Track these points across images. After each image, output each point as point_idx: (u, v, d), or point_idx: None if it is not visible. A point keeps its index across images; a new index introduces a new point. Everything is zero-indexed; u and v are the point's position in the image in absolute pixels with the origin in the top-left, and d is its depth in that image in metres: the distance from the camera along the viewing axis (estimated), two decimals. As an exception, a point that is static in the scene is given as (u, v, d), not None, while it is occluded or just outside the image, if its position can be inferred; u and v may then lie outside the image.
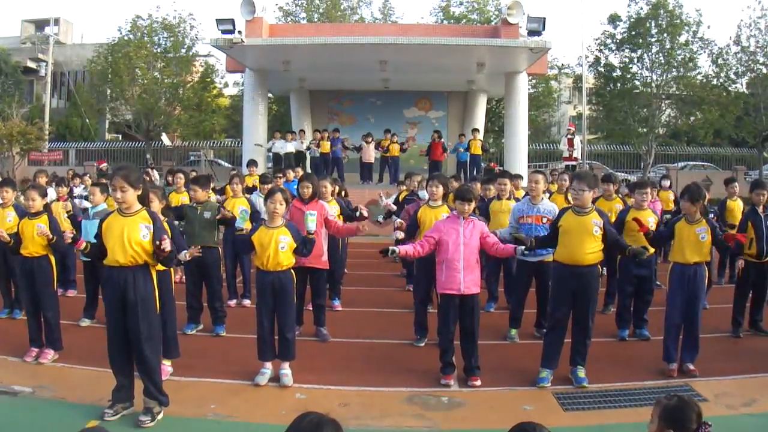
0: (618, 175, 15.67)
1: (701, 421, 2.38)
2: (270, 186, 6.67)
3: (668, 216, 7.40)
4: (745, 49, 20.85)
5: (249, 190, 8.88)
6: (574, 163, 16.57)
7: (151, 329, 3.93)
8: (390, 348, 5.64)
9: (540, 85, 27.05)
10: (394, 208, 8.04)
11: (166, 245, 3.82)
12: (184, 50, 23.12)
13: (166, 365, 4.64)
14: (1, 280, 6.28)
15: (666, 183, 10.62)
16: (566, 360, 4.77)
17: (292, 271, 4.75)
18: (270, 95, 22.46)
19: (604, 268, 6.83)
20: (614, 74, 21.83)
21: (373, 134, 16.61)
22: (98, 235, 4.02)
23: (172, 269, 4.84)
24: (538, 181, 5.89)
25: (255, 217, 6.88)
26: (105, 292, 4.12)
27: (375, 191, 14.65)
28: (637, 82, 21.32)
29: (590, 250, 4.60)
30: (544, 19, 14.43)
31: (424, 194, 6.57)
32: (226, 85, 27.00)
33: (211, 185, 7.24)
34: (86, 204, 6.79)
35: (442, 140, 16.15)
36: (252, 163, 11.65)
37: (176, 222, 5.42)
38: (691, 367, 4.89)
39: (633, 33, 20.71)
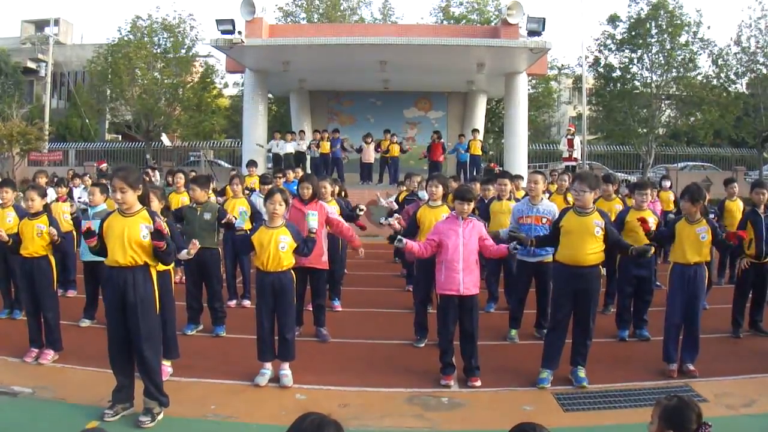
0: (618, 175, 15.69)
1: (701, 421, 2.38)
2: (270, 186, 6.67)
3: (671, 216, 7.41)
4: (745, 49, 20.85)
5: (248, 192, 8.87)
6: (573, 163, 16.57)
7: (151, 330, 3.93)
8: (390, 348, 5.64)
9: (540, 86, 27.05)
10: (395, 206, 8.05)
11: (162, 227, 3.81)
12: (184, 51, 23.12)
13: (166, 366, 4.64)
14: (1, 280, 6.28)
15: (666, 183, 10.62)
16: (566, 360, 4.77)
17: (292, 271, 4.75)
18: (270, 96, 22.46)
19: (604, 269, 6.83)
20: (614, 75, 21.84)
21: (373, 134, 16.62)
22: (99, 235, 4.02)
23: (171, 270, 4.84)
24: (538, 181, 5.90)
25: (256, 217, 6.89)
26: (105, 293, 4.12)
27: (375, 191, 14.69)
28: (637, 83, 21.33)
29: (591, 250, 4.60)
30: (544, 19, 14.43)
31: (423, 194, 6.58)
32: (225, 85, 27.02)
33: (211, 186, 7.24)
34: (85, 199, 6.78)
35: (442, 141, 16.16)
36: (252, 163, 11.65)
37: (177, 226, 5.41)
38: (691, 367, 4.89)
39: (633, 33, 20.71)
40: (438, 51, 14.86)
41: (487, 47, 15.06)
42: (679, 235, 5.02)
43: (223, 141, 28.27)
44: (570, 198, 6.98)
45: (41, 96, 29.13)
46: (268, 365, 4.71)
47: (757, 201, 6.16)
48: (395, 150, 15.93)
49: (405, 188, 9.18)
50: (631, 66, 21.37)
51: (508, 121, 17.51)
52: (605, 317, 6.40)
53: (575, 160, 16.95)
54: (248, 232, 4.84)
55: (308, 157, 16.45)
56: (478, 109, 20.72)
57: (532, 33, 14.59)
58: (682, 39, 20.40)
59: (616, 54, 21.70)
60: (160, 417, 3.92)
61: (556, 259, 4.86)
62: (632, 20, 20.79)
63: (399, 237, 4.81)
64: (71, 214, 7.39)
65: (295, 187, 6.57)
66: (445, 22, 27.77)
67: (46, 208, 5.39)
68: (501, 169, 15.16)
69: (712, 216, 6.58)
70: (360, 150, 16.16)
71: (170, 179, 9.77)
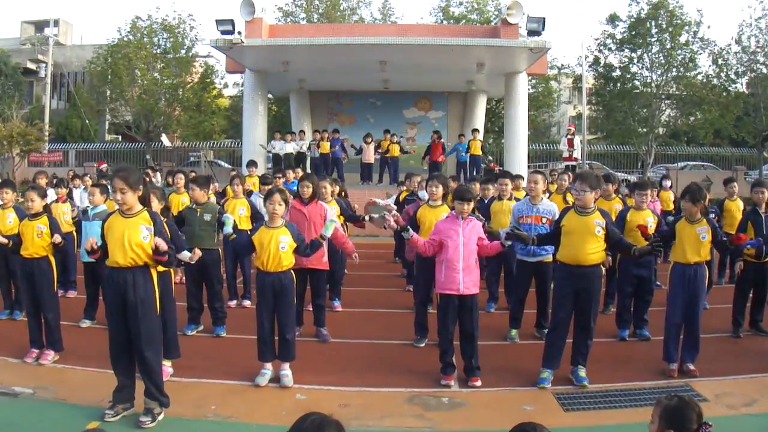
0: (618, 175, 15.68)
1: (702, 421, 2.38)
2: (269, 187, 6.67)
3: (671, 218, 7.42)
4: (745, 48, 20.84)
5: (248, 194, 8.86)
6: (573, 163, 16.57)
7: (151, 330, 3.93)
8: (390, 348, 5.64)
9: (540, 85, 27.06)
10: (395, 207, 8.05)
11: (162, 246, 3.82)
12: (183, 51, 23.11)
13: (167, 366, 4.64)
14: (1, 281, 6.28)
15: (667, 183, 10.64)
16: (566, 360, 4.77)
17: (292, 271, 4.75)
18: (270, 96, 22.46)
19: (604, 268, 6.84)
20: (614, 74, 21.83)
21: (373, 134, 16.63)
22: (102, 236, 4.03)
23: (172, 270, 4.84)
24: (537, 181, 5.90)
25: (256, 217, 6.91)
26: (105, 293, 4.12)
27: (375, 191, 14.70)
28: (637, 82, 21.32)
29: (592, 250, 4.60)
30: (544, 19, 14.44)
31: (423, 194, 6.58)
32: (225, 85, 27.04)
33: (211, 186, 7.24)
34: (85, 204, 6.79)
35: (442, 141, 16.16)
36: (252, 163, 11.65)
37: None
38: (692, 367, 4.89)
39: (633, 33, 20.71)
40: (438, 51, 14.86)
41: (486, 47, 15.07)
42: (679, 235, 5.02)
43: (223, 141, 28.27)
44: (569, 198, 7.00)
45: (41, 97, 29.13)
46: (269, 365, 4.71)
47: (758, 200, 6.16)
48: (395, 150, 15.93)
49: (405, 188, 9.19)
50: (631, 65, 21.37)
51: (508, 121, 17.52)
52: (605, 317, 6.39)
53: (575, 159, 16.95)
54: (248, 232, 4.84)
55: (308, 158, 16.45)
56: (478, 108, 20.72)
57: (531, 33, 14.60)
58: (682, 39, 20.40)
59: (616, 54, 21.71)
60: (161, 417, 3.92)
61: (557, 259, 4.86)
62: (632, 20, 20.78)
63: (407, 227, 4.86)
64: (73, 218, 7.40)
65: (295, 187, 6.57)
66: (444, 22, 27.78)
67: (47, 209, 5.39)
68: (501, 168, 15.17)
69: (712, 216, 6.58)
70: (360, 150, 16.17)
71: (170, 180, 9.77)
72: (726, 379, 4.80)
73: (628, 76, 21.38)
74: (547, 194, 7.27)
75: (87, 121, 26.38)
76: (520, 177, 8.88)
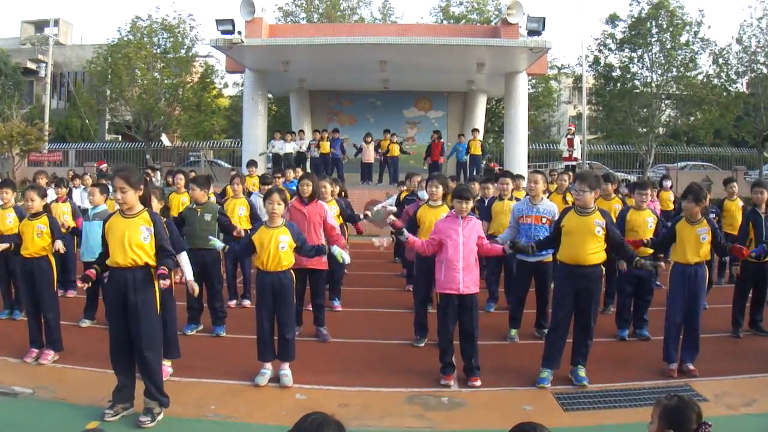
0: (617, 175, 15.67)
1: (701, 421, 2.38)
2: (269, 186, 6.67)
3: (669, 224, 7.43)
4: (746, 48, 20.83)
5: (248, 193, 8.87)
6: (574, 163, 16.56)
7: (151, 330, 3.94)
8: (390, 348, 5.64)
9: (540, 85, 27.06)
10: (394, 209, 8.07)
11: (165, 284, 3.85)
12: (183, 51, 23.10)
13: (167, 366, 4.64)
14: (1, 281, 6.28)
15: (667, 183, 10.63)
16: (566, 360, 4.77)
17: (292, 271, 4.75)
18: (270, 95, 22.45)
19: (604, 268, 6.84)
20: (614, 74, 21.82)
21: (373, 134, 16.63)
22: (103, 237, 4.03)
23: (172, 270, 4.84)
24: (537, 181, 5.91)
25: (254, 218, 6.92)
26: (106, 294, 4.13)
27: (375, 191, 14.71)
28: (637, 82, 21.31)
29: (592, 250, 4.60)
30: (544, 19, 14.43)
31: (423, 194, 6.58)
32: (225, 85, 27.03)
33: (211, 186, 7.24)
34: (86, 203, 6.79)
35: (442, 140, 16.15)
36: (252, 163, 11.65)
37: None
38: (691, 367, 4.89)
39: (633, 33, 20.69)
40: (438, 51, 14.86)
41: (487, 47, 15.06)
42: (679, 235, 5.02)
43: (223, 141, 28.27)
44: (569, 198, 7.01)
45: (41, 96, 29.13)
46: (268, 365, 4.71)
47: (757, 201, 6.16)
48: (395, 150, 15.94)
49: (405, 188, 9.19)
50: (631, 65, 21.36)
51: (508, 121, 17.51)
52: (605, 317, 6.39)
53: (575, 159, 16.94)
54: (248, 232, 4.85)
55: (308, 157, 16.45)
56: (478, 108, 20.72)
57: (532, 32, 14.59)
58: (683, 39, 20.39)
59: (616, 53, 21.70)
60: (161, 417, 3.92)
61: (557, 259, 4.86)
62: (633, 19, 20.78)
63: (402, 229, 4.87)
64: (67, 229, 7.38)
65: (295, 187, 6.58)
66: (445, 22, 27.78)
67: (46, 209, 5.40)
68: (501, 168, 15.17)
69: (713, 216, 6.59)
70: (360, 150, 16.18)
71: (170, 179, 9.76)
72: (726, 379, 4.80)
73: (628, 76, 21.37)
74: (547, 194, 7.27)
75: (87, 121, 26.38)
76: (520, 177, 8.88)
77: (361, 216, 7.48)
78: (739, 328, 6.05)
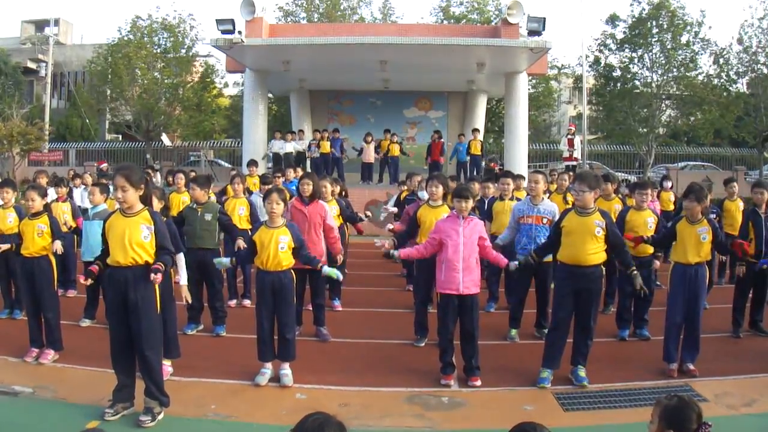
0: (618, 175, 15.67)
1: (701, 421, 2.38)
2: (269, 186, 6.68)
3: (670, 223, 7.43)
4: (747, 48, 20.82)
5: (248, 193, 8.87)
6: (574, 163, 16.56)
7: (151, 329, 3.94)
8: (390, 348, 5.64)
9: (540, 85, 27.05)
10: (395, 210, 8.07)
11: (157, 280, 3.85)
12: (184, 50, 23.10)
13: (167, 365, 4.64)
14: (1, 280, 6.28)
15: (668, 184, 10.63)
16: (566, 360, 4.77)
17: (292, 271, 4.75)
18: (270, 95, 22.45)
19: (604, 268, 6.84)
20: (614, 74, 21.82)
21: (373, 134, 16.63)
22: (103, 236, 4.04)
23: (172, 270, 4.83)
24: (538, 181, 5.91)
25: (253, 219, 6.93)
26: (106, 293, 4.13)
27: (375, 191, 14.71)
28: (638, 82, 21.31)
29: (592, 250, 4.60)
30: (544, 19, 14.42)
31: (423, 194, 6.58)
32: (226, 85, 27.03)
33: (212, 185, 7.24)
34: (86, 203, 6.80)
35: (442, 140, 16.14)
36: (252, 163, 11.65)
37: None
38: (692, 367, 4.89)
39: (634, 33, 20.68)
40: (438, 51, 14.85)
41: (487, 47, 15.06)
42: (680, 235, 5.03)
43: (223, 141, 28.27)
44: (569, 198, 7.00)
45: (41, 96, 29.12)
46: (269, 365, 4.71)
47: (758, 201, 6.17)
48: (395, 150, 15.93)
49: (406, 188, 9.19)
50: (631, 65, 21.36)
51: (509, 121, 17.51)
52: (605, 317, 6.40)
53: (575, 159, 16.94)
54: (248, 232, 4.85)
55: (308, 157, 16.45)
56: (478, 108, 20.71)
57: (532, 33, 14.58)
58: (683, 39, 20.38)
59: (616, 54, 21.69)
60: (161, 416, 3.92)
61: (557, 259, 4.86)
62: (633, 19, 20.77)
63: (392, 253, 4.90)
64: (69, 228, 7.38)
65: (295, 186, 6.58)
66: (445, 22, 27.77)
67: (47, 208, 5.40)
68: (501, 168, 15.17)
69: (713, 216, 6.58)
70: (361, 151, 16.19)
71: (170, 179, 9.76)
72: (726, 379, 4.80)
73: (629, 76, 21.37)
74: (547, 194, 7.27)
75: (87, 121, 26.37)
76: (521, 177, 8.88)
77: (363, 216, 7.49)
78: (740, 328, 6.05)
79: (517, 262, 5.02)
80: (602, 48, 21.93)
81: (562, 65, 25.56)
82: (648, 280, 6.12)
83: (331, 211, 6.33)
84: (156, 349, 3.98)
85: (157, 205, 5.08)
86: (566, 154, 16.83)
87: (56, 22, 31.67)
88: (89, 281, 4.17)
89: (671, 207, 9.78)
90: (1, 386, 4.40)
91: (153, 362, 3.94)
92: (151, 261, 3.93)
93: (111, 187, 6.04)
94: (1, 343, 5.42)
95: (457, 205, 4.73)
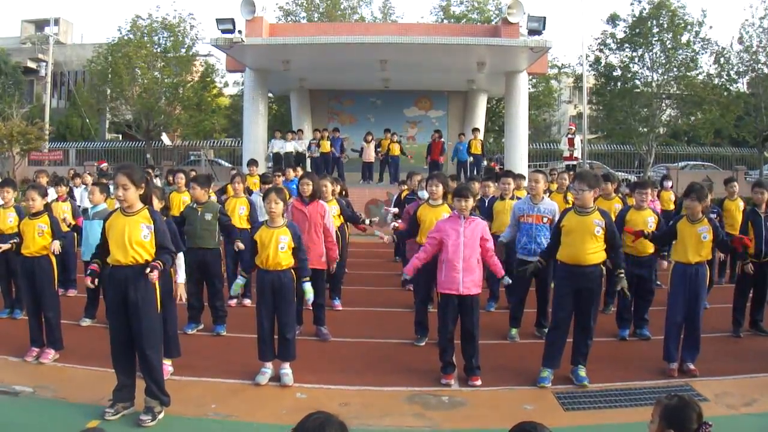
0: (618, 174, 15.66)
1: (702, 421, 2.37)
2: (269, 186, 6.69)
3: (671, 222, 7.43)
4: (748, 48, 20.81)
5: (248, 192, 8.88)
6: (574, 162, 16.56)
7: (152, 329, 3.94)
8: (390, 347, 5.65)
9: (540, 85, 27.03)
10: (396, 210, 8.07)
11: (153, 277, 3.84)
12: (184, 50, 23.10)
13: (167, 364, 4.64)
14: (2, 280, 6.29)
15: (668, 183, 10.62)
16: (566, 359, 4.77)
17: (293, 270, 4.75)
18: (270, 95, 22.43)
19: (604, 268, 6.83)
20: (615, 74, 21.81)
21: (374, 134, 16.62)
22: (103, 234, 4.03)
23: (172, 269, 4.84)
24: (539, 180, 5.91)
25: (252, 218, 6.93)
26: (106, 292, 4.13)
27: (375, 190, 14.72)
28: (638, 82, 21.30)
29: (592, 250, 4.60)
30: (545, 18, 14.41)
31: (423, 194, 6.58)
32: (226, 84, 27.01)
33: (212, 185, 7.25)
34: (86, 202, 6.80)
35: (442, 140, 16.13)
36: (252, 162, 11.65)
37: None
38: (692, 366, 4.89)
39: (634, 32, 20.67)
40: (438, 50, 14.85)
41: (487, 46, 15.05)
42: (680, 235, 5.03)
43: (224, 140, 28.26)
44: (570, 197, 7.00)
45: (41, 96, 29.13)
46: (269, 364, 4.71)
47: (758, 201, 6.16)
48: (395, 149, 15.93)
49: (406, 187, 9.19)
50: (631, 65, 21.35)
51: (509, 120, 17.50)
52: (605, 316, 6.39)
53: (576, 159, 16.94)
54: (248, 231, 4.85)
55: (307, 157, 16.45)
56: (478, 108, 20.71)
57: (532, 32, 14.58)
58: (684, 38, 20.37)
59: (616, 53, 21.69)
60: (161, 416, 3.93)
61: (557, 259, 4.86)
62: (634, 19, 20.76)
63: (405, 278, 4.88)
64: (69, 225, 7.39)
65: (295, 186, 6.58)
66: (445, 21, 27.76)
67: (47, 208, 5.40)
68: (502, 167, 15.17)
69: (714, 215, 6.58)
70: (360, 151, 16.18)
71: (171, 179, 9.76)
72: (726, 379, 4.80)
73: (629, 75, 21.36)
74: (548, 193, 7.27)
75: (87, 120, 26.35)
76: (521, 176, 8.88)
77: (367, 222, 7.50)
78: (740, 327, 6.05)
79: (509, 280, 5.11)
80: (602, 47, 21.93)
81: (563, 64, 25.58)
82: (648, 280, 6.14)
83: (332, 210, 6.33)
84: (156, 349, 3.98)
85: (157, 204, 5.08)
86: (566, 154, 16.84)
87: (56, 22, 31.66)
88: (96, 282, 4.16)
89: (671, 207, 9.77)
90: (2, 386, 4.41)
91: (153, 361, 3.94)
92: (151, 260, 3.93)
93: (111, 187, 6.05)
94: (2, 342, 5.43)
95: (457, 204, 4.73)
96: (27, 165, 22.34)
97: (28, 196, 5.25)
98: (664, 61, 20.51)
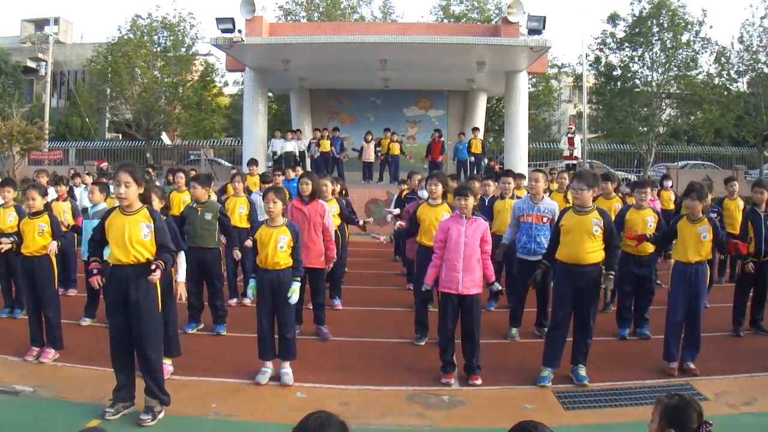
0: (618, 173, 15.65)
1: (702, 420, 2.37)
2: (269, 185, 6.69)
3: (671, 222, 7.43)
4: (748, 47, 20.80)
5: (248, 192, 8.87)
6: (574, 162, 16.56)
7: (152, 328, 3.94)
8: (390, 347, 5.65)
9: (540, 84, 27.02)
10: (397, 211, 8.08)
11: (155, 277, 3.84)
12: (183, 49, 23.07)
13: (167, 364, 4.64)
14: (2, 279, 6.29)
15: (668, 183, 10.61)
16: (566, 359, 4.77)
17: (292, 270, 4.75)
18: (270, 94, 22.43)
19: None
20: (614, 73, 21.80)
21: (374, 133, 16.62)
22: (97, 229, 4.03)
23: (172, 269, 4.83)
24: (539, 179, 5.91)
25: (252, 218, 6.93)
26: (106, 292, 4.12)
27: (375, 190, 14.71)
28: (638, 81, 21.29)
29: (591, 249, 4.60)
30: (545, 17, 14.40)
31: (423, 194, 6.58)
32: (226, 84, 26.98)
33: (212, 184, 7.24)
34: (86, 202, 6.80)
35: (442, 139, 16.12)
36: (252, 162, 11.65)
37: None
38: (692, 366, 4.89)
39: (634, 32, 20.66)
40: (438, 49, 14.84)
41: (487, 46, 15.04)
42: (680, 234, 5.03)
43: (224, 140, 28.24)
44: (570, 196, 7.00)
45: (41, 95, 29.10)
46: (269, 363, 4.71)
47: (757, 200, 6.16)
48: (395, 148, 15.93)
49: (406, 186, 9.19)
50: (631, 64, 21.33)
51: (509, 120, 17.49)
52: (606, 316, 6.40)
53: (576, 158, 16.94)
54: (248, 231, 4.85)
55: (307, 156, 16.44)
56: (478, 107, 20.70)
57: (532, 31, 14.56)
58: (684, 38, 20.35)
59: (616, 52, 21.67)
60: (161, 415, 3.93)
61: (556, 258, 4.86)
62: (634, 18, 20.75)
63: (425, 288, 4.88)
64: (67, 227, 7.38)
65: (295, 185, 6.58)
66: (445, 21, 27.75)
67: (47, 207, 5.39)
68: (502, 167, 15.16)
69: (714, 215, 6.58)
70: (360, 151, 16.18)
71: (170, 178, 9.75)
72: (726, 378, 4.80)
73: (629, 74, 21.35)
74: (548, 193, 7.27)
75: (87, 120, 26.34)
76: (522, 176, 8.88)
77: (361, 222, 7.53)
78: (740, 327, 6.05)
79: (498, 287, 5.24)
80: (602, 47, 21.91)
81: (563, 64, 25.55)
82: (648, 279, 6.14)
83: (332, 210, 6.32)
84: (157, 348, 3.98)
85: (157, 204, 5.07)
86: (566, 153, 16.83)
87: (56, 21, 31.66)
88: (103, 280, 4.16)
89: (671, 206, 9.77)
90: (2, 385, 4.40)
91: (154, 361, 3.94)
92: (152, 259, 3.93)
93: (111, 186, 6.04)
94: (2, 342, 5.43)
95: (458, 203, 4.73)
96: (27, 164, 22.33)
97: (29, 195, 5.24)
98: (664, 61, 20.49)
